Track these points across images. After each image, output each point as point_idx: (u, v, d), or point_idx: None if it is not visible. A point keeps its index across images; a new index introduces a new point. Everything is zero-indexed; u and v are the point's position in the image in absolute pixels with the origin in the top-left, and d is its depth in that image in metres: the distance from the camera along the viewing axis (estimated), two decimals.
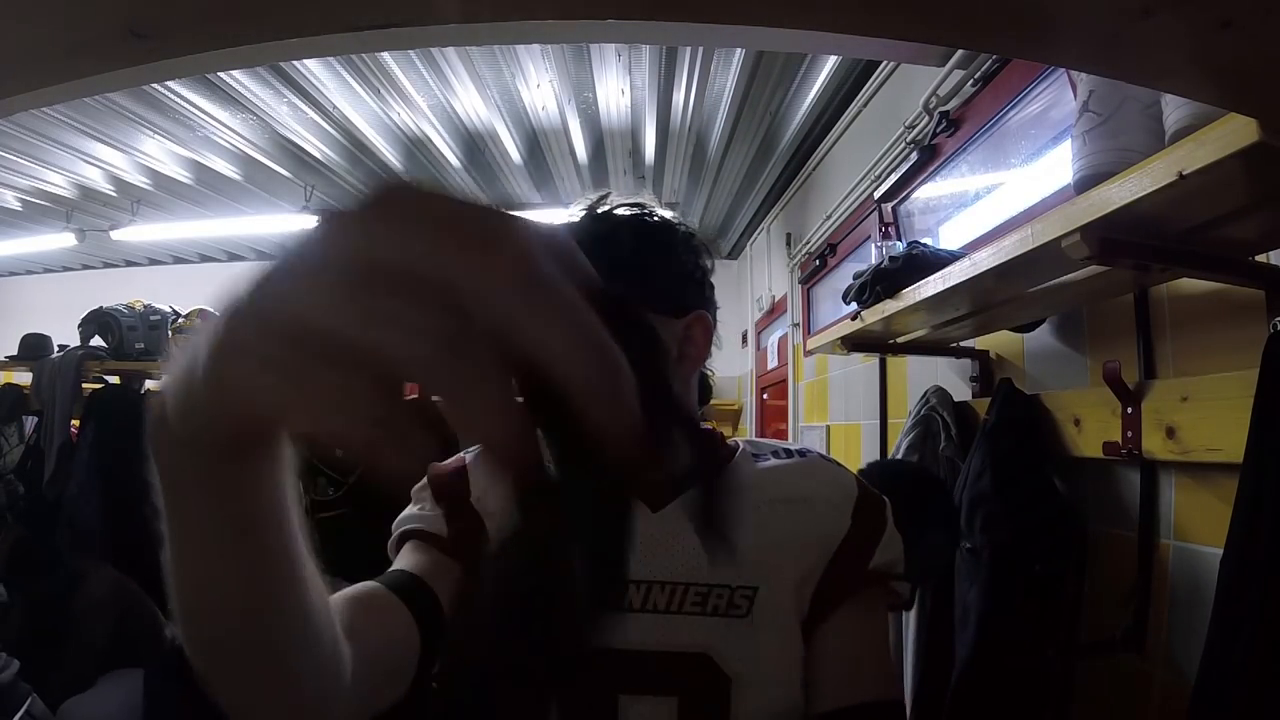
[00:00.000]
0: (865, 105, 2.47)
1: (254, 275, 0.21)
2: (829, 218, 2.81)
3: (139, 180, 3.84)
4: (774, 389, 4.10)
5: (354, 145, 3.33)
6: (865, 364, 2.36)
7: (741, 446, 0.70)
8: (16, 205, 4.26)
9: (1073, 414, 1.16)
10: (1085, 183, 0.87)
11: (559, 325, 0.19)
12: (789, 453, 0.69)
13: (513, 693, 0.24)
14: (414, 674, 0.53)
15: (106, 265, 5.77)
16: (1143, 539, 1.05)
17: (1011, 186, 1.69)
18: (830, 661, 0.60)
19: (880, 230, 2.27)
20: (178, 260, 5.72)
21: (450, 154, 3.41)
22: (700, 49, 2.41)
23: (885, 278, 1.36)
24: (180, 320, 2.55)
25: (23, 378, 2.62)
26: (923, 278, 1.21)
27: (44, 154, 3.47)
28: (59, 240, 4.56)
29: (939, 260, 1.26)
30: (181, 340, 0.26)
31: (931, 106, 1.87)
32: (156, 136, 3.24)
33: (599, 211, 0.66)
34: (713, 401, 0.74)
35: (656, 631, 0.59)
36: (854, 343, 1.66)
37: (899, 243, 1.57)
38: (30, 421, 2.60)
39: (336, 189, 3.82)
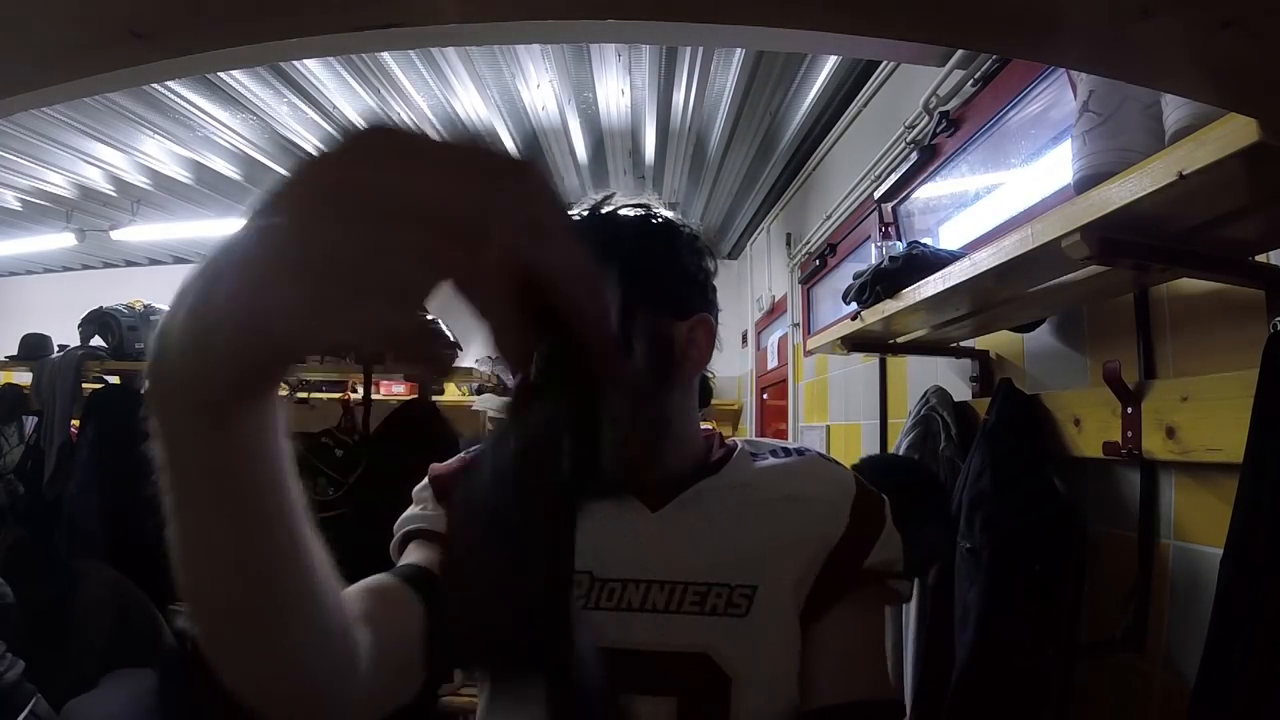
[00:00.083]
0: (865, 105, 2.47)
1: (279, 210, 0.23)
2: (829, 218, 2.81)
3: (139, 180, 3.84)
4: (774, 389, 4.10)
5: None
6: (865, 364, 2.36)
7: (740, 446, 0.70)
8: (16, 205, 4.25)
9: (1073, 414, 1.16)
10: (1085, 183, 0.87)
11: (562, 245, 0.23)
12: (787, 452, 0.69)
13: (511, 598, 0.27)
14: (425, 672, 0.53)
15: (106, 265, 5.77)
16: (1143, 539, 1.05)
17: (1011, 186, 1.69)
18: (823, 659, 0.60)
19: (880, 230, 2.27)
20: (178, 260, 5.72)
21: None
22: (700, 49, 2.41)
23: (885, 278, 1.36)
24: None
25: (23, 378, 2.61)
26: (923, 278, 1.21)
27: (44, 154, 3.47)
28: (59, 240, 4.56)
29: (939, 260, 1.26)
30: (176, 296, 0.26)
31: (931, 106, 1.87)
32: (156, 136, 3.25)
33: (603, 212, 0.66)
34: (713, 402, 0.74)
35: (655, 631, 0.59)
36: (854, 343, 1.66)
37: (899, 243, 1.57)
38: (30, 421, 2.60)
39: None
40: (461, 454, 0.70)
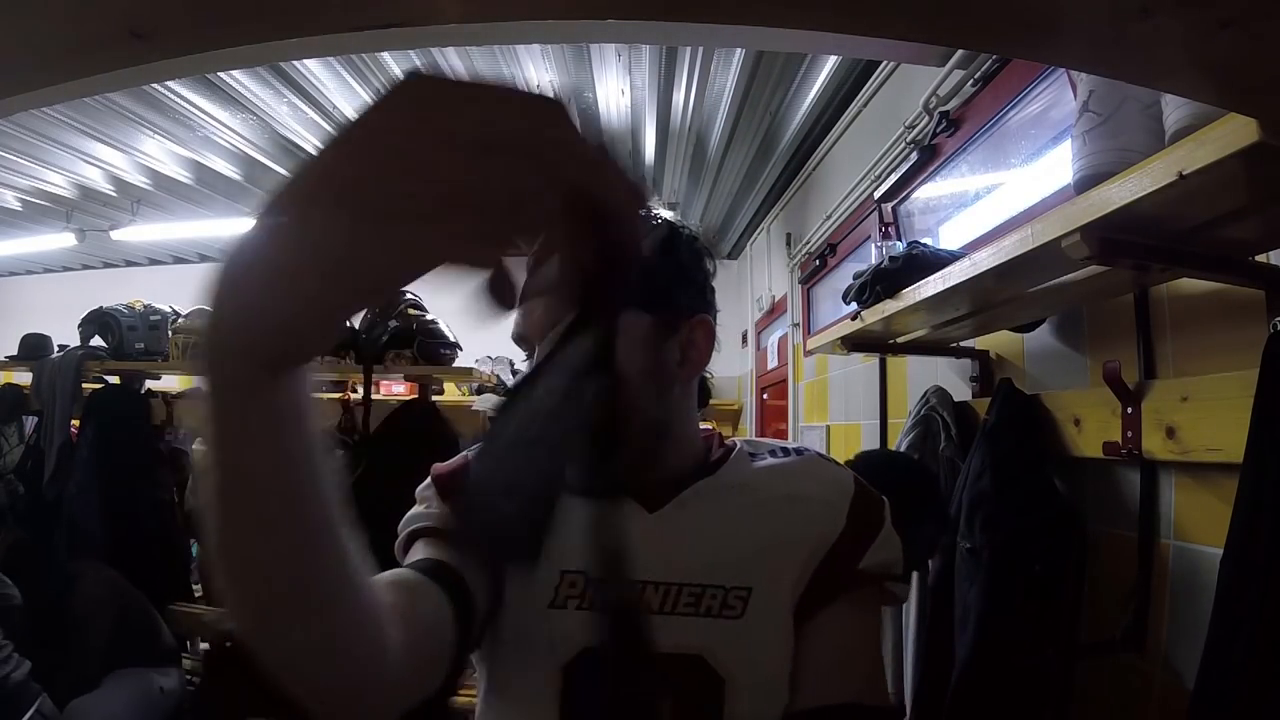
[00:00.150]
0: (865, 105, 2.47)
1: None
2: (829, 218, 2.81)
3: (139, 180, 3.84)
4: (774, 389, 4.10)
5: None
6: (865, 364, 2.36)
7: (739, 446, 0.70)
8: (16, 205, 4.25)
9: (1073, 414, 1.16)
10: (1085, 183, 0.87)
11: (609, 166, 0.26)
12: (786, 451, 0.69)
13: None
14: (450, 664, 0.53)
15: (106, 265, 5.77)
16: (1143, 539, 1.05)
17: (1011, 186, 1.69)
18: (815, 658, 0.60)
19: (880, 230, 2.27)
20: (178, 260, 5.72)
21: None
22: (700, 49, 2.41)
23: (885, 278, 1.36)
24: (180, 320, 2.55)
25: (23, 378, 2.61)
26: (923, 278, 1.21)
27: (44, 154, 3.47)
28: (59, 240, 4.56)
29: (939, 260, 1.26)
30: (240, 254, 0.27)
31: (931, 106, 1.87)
32: (156, 136, 3.25)
33: None
34: (713, 402, 0.74)
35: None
36: (854, 343, 1.66)
37: (899, 243, 1.57)
38: (30, 421, 2.60)
39: None
40: (463, 453, 0.70)
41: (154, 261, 5.71)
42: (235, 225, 4.29)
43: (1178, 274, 0.94)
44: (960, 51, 1.64)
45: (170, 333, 2.54)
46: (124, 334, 2.52)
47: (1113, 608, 1.09)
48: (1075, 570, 1.13)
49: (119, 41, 0.48)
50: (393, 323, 2.23)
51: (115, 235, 4.33)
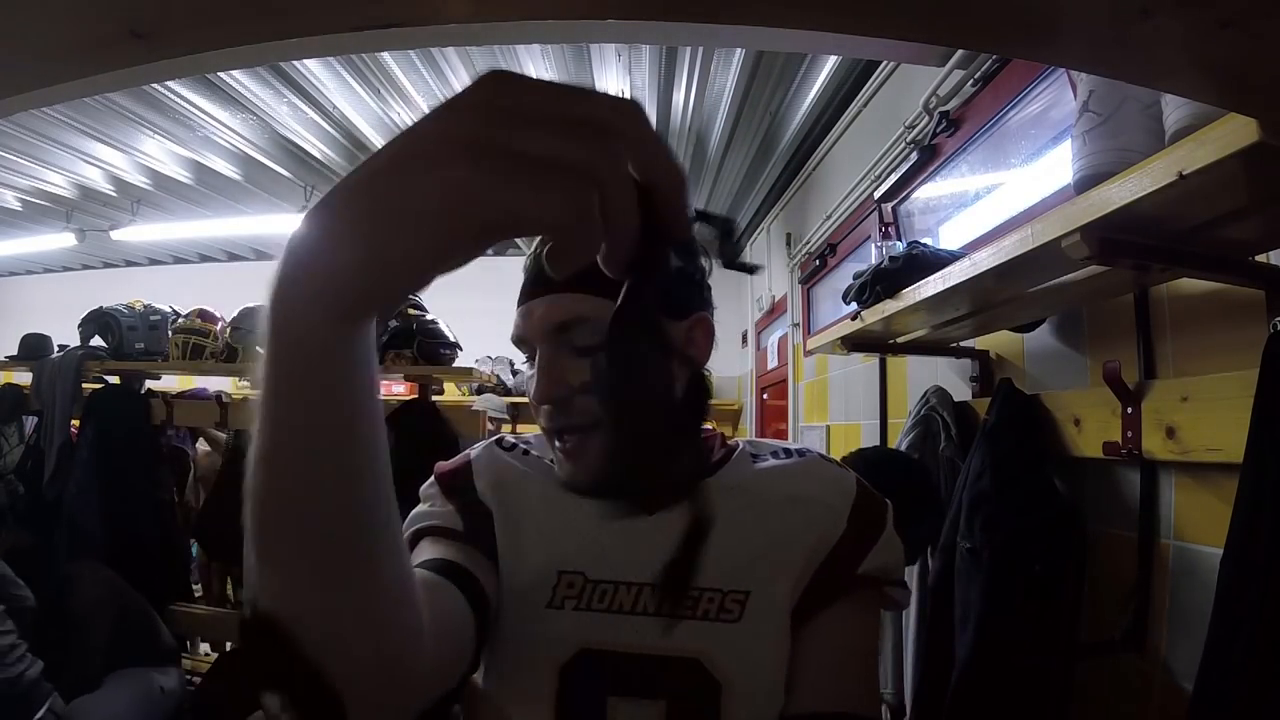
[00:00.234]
0: (865, 105, 2.47)
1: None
2: (829, 218, 2.81)
3: (139, 180, 3.84)
4: (774, 389, 4.10)
5: (354, 145, 3.33)
6: (865, 364, 2.36)
7: (741, 446, 0.70)
8: (16, 205, 4.26)
9: (1073, 414, 1.16)
10: (1085, 183, 0.87)
11: (661, 149, 0.29)
12: (788, 453, 0.68)
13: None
14: (471, 656, 0.53)
15: (106, 265, 5.77)
16: (1143, 539, 1.05)
17: (1011, 186, 1.69)
18: (811, 662, 0.59)
19: (880, 230, 2.27)
20: (178, 260, 5.72)
21: None
22: (700, 49, 2.41)
23: (885, 278, 1.36)
24: (180, 320, 2.55)
25: (23, 378, 2.61)
26: (923, 278, 1.21)
27: (44, 154, 3.48)
28: (59, 240, 4.57)
29: (939, 260, 1.26)
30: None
31: (931, 106, 1.87)
32: (156, 136, 3.25)
33: None
34: (713, 402, 0.74)
35: (647, 634, 0.59)
36: (854, 343, 1.66)
37: (899, 243, 1.57)
38: (30, 421, 2.59)
39: None
40: (465, 452, 0.70)
41: (154, 261, 5.71)
42: (235, 225, 4.29)
43: (1178, 274, 0.94)
44: (960, 51, 1.64)
45: (170, 333, 2.54)
46: (124, 334, 2.52)
47: (1113, 608, 1.09)
48: (1075, 570, 1.13)
49: (119, 41, 0.48)
50: (393, 323, 2.23)
51: (115, 235, 4.33)
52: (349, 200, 0.28)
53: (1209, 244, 0.82)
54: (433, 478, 0.68)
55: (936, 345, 1.64)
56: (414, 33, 0.47)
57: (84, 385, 2.47)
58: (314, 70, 2.64)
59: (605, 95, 0.29)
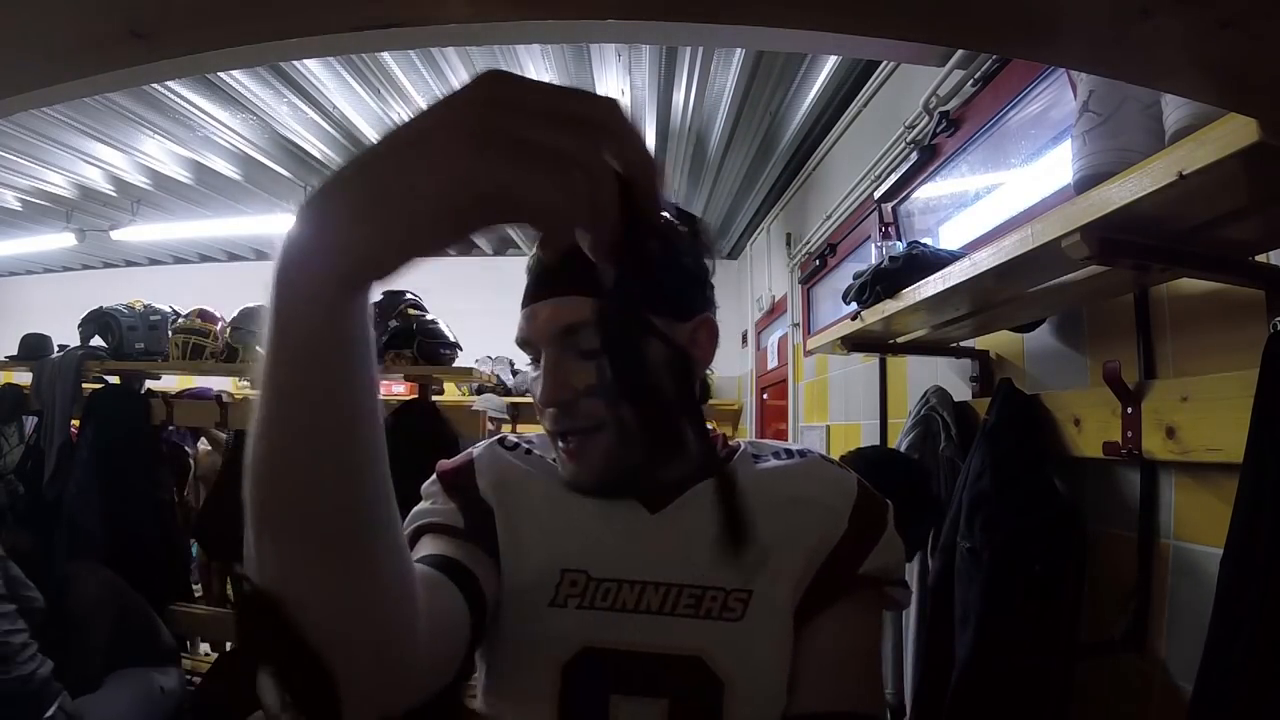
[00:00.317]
0: (865, 105, 2.47)
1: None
2: (829, 218, 2.81)
3: (139, 180, 3.84)
4: (774, 389, 4.10)
5: (354, 145, 3.33)
6: (865, 364, 2.36)
7: (742, 447, 0.70)
8: (16, 205, 4.26)
9: (1073, 414, 1.16)
10: (1085, 183, 0.87)
11: (640, 142, 0.32)
12: (789, 453, 0.69)
13: None
14: (465, 654, 0.53)
15: (106, 265, 5.77)
16: (1143, 539, 1.05)
17: (1011, 186, 1.69)
18: (813, 662, 0.59)
19: (880, 230, 2.27)
20: (178, 260, 5.72)
21: None
22: (700, 49, 2.41)
23: (885, 278, 1.36)
24: (180, 320, 2.55)
25: (23, 378, 2.61)
26: (923, 278, 1.21)
27: (44, 154, 3.47)
28: (59, 240, 4.56)
29: (939, 260, 1.26)
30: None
31: (931, 106, 1.87)
32: (156, 136, 3.25)
33: None
34: (713, 402, 0.75)
35: (649, 632, 0.59)
36: (854, 343, 1.66)
37: (899, 243, 1.57)
38: (30, 421, 2.60)
39: None
40: (467, 450, 0.70)
41: (154, 261, 5.71)
42: (235, 225, 4.29)
43: (1178, 274, 0.94)
44: (960, 51, 1.64)
45: (170, 333, 2.54)
46: (124, 334, 2.52)
47: (1113, 608, 1.09)
48: (1075, 570, 1.13)
49: (119, 41, 0.48)
50: (393, 323, 2.23)
51: (115, 235, 4.33)
52: (357, 175, 0.30)
53: (1209, 244, 0.82)
54: (434, 475, 0.68)
55: (936, 345, 1.64)
56: (414, 33, 0.48)
57: (84, 385, 2.47)
58: (314, 70, 2.64)
59: (591, 94, 0.31)
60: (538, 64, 2.59)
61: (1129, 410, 1.02)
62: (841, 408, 2.73)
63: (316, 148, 3.38)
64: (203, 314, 2.53)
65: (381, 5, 0.47)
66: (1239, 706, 0.70)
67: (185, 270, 5.69)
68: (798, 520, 0.62)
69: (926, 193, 2.11)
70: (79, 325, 2.57)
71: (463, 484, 0.66)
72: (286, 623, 0.34)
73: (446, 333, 2.30)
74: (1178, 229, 0.78)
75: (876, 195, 2.25)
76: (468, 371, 2.40)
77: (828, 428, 2.87)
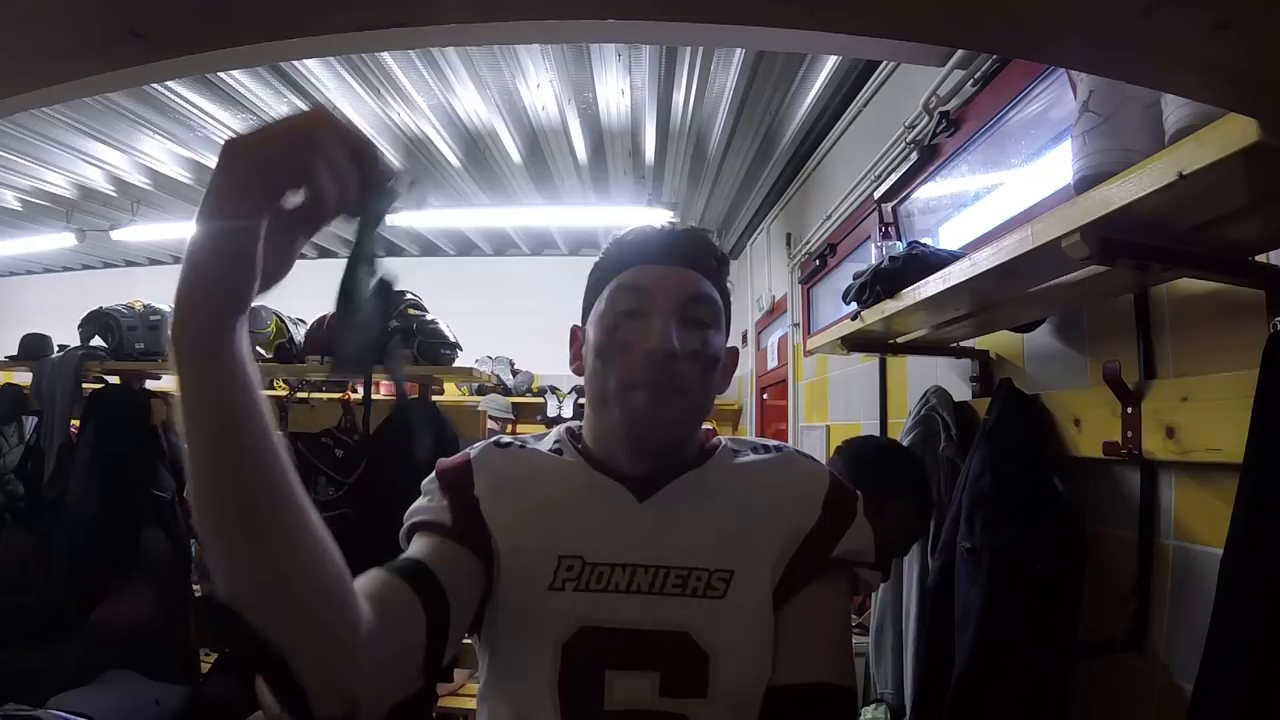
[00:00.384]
0: (865, 105, 2.47)
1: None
2: (829, 218, 2.81)
3: (139, 180, 3.84)
4: (774, 389, 4.10)
5: None
6: (865, 364, 2.36)
7: (723, 443, 0.75)
8: (16, 205, 4.26)
9: (1073, 414, 1.16)
10: (1085, 183, 0.87)
11: (353, 130, 0.43)
12: (767, 449, 0.75)
13: None
14: (424, 662, 0.56)
15: (106, 265, 5.77)
16: (1143, 539, 1.05)
17: (1011, 186, 1.69)
18: (787, 638, 0.65)
19: (880, 230, 2.26)
20: (178, 260, 5.56)
21: (450, 154, 3.41)
22: (700, 49, 2.41)
23: (885, 278, 1.36)
24: None
25: (23, 378, 2.61)
26: (923, 278, 1.21)
27: (44, 154, 3.47)
28: (59, 240, 4.56)
29: (939, 260, 1.26)
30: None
31: (931, 106, 1.87)
32: (156, 136, 3.25)
33: (682, 232, 0.72)
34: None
35: (640, 611, 0.64)
36: (854, 343, 1.66)
37: (899, 243, 1.57)
38: (30, 421, 2.59)
39: None
40: (466, 450, 0.74)
41: (154, 261, 5.70)
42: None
43: (1178, 274, 0.94)
44: (960, 51, 1.64)
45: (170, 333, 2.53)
46: (124, 334, 2.52)
47: (1113, 608, 1.09)
48: (1075, 570, 1.13)
49: (119, 41, 0.48)
50: (393, 323, 2.23)
51: (115, 235, 4.33)
52: (196, 244, 0.41)
53: (1209, 244, 0.82)
54: (434, 473, 0.72)
55: (936, 345, 1.64)
56: (414, 33, 0.48)
57: (84, 385, 2.46)
58: (314, 70, 2.64)
59: (303, 112, 0.42)
60: (538, 64, 2.59)
61: (1129, 410, 1.02)
62: (842, 408, 2.73)
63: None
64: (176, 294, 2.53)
65: (381, 5, 0.47)
66: (1239, 707, 0.70)
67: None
68: (774, 507, 0.68)
69: (926, 193, 2.11)
70: (79, 325, 2.57)
71: (459, 482, 0.69)
72: (239, 618, 0.43)
73: (446, 333, 2.30)
74: (1178, 229, 0.78)
75: (876, 195, 2.25)
76: (468, 371, 2.40)
77: (828, 428, 2.87)
